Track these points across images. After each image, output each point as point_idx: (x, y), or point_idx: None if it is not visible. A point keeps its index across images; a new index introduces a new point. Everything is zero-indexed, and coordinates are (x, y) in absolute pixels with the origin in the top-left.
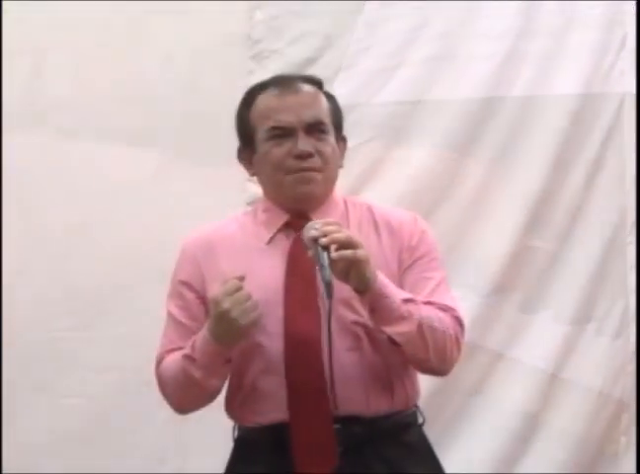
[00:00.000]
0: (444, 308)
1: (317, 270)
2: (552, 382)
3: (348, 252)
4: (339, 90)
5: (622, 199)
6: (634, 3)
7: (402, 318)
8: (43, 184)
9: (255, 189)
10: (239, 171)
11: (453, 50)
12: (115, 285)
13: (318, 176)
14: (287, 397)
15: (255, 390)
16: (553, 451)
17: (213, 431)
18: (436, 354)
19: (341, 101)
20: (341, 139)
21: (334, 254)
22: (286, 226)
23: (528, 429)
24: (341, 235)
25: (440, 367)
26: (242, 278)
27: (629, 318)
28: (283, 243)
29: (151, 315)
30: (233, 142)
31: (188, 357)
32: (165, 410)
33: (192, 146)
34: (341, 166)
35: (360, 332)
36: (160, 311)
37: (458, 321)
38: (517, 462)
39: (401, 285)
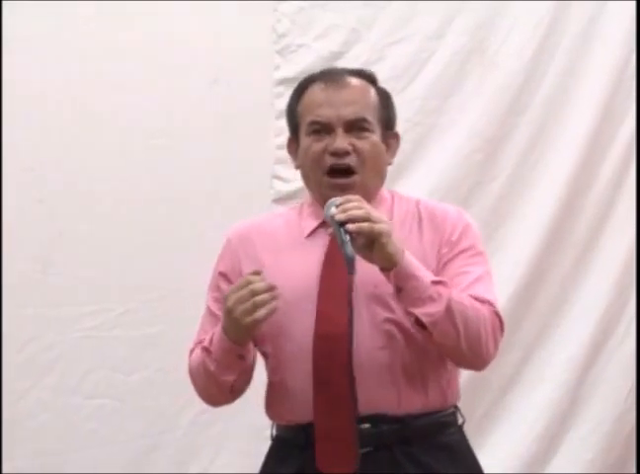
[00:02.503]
0: (482, 300)
1: (339, 247)
2: (580, 383)
3: (365, 224)
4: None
5: None
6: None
7: (430, 299)
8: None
9: (280, 186)
10: (265, 167)
11: (483, 44)
12: (139, 286)
13: (356, 180)
14: (313, 395)
15: (286, 387)
16: (581, 452)
17: (239, 431)
18: (467, 341)
19: None
20: (392, 136)
21: (351, 226)
22: (326, 223)
23: (557, 429)
24: (360, 211)
25: (474, 360)
26: (258, 273)
27: None
28: (323, 238)
29: (178, 316)
30: (260, 136)
31: (206, 350)
32: (191, 410)
33: (218, 141)
34: (389, 163)
35: (394, 330)
36: (186, 312)
37: (497, 315)
38: (545, 462)
39: None
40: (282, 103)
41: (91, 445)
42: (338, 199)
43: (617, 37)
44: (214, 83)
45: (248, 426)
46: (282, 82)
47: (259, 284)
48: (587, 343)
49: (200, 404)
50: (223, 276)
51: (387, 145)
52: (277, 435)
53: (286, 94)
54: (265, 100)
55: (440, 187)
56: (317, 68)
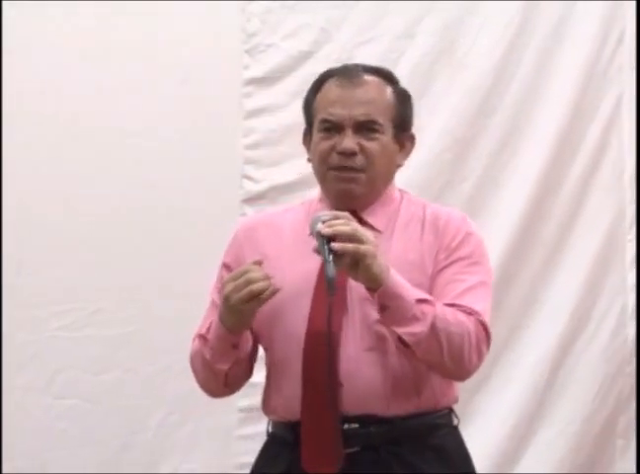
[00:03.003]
0: (469, 311)
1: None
2: (549, 384)
3: (349, 245)
4: None
5: (621, 197)
6: (634, 3)
7: (414, 318)
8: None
9: (250, 186)
10: (235, 168)
11: (453, 45)
12: (111, 286)
13: (361, 176)
14: (301, 392)
15: (278, 383)
16: (550, 452)
17: (210, 432)
18: (451, 357)
19: None
20: (407, 137)
21: (335, 245)
22: None
23: (525, 429)
24: (346, 228)
25: (457, 372)
26: (259, 263)
27: (627, 317)
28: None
29: (148, 316)
30: (229, 136)
31: (202, 338)
32: (161, 410)
33: (187, 141)
34: (400, 164)
35: (385, 332)
36: (157, 312)
37: (483, 326)
38: (514, 462)
39: (433, 286)
40: (251, 103)
41: (61, 446)
42: (325, 215)
43: (587, 36)
44: (183, 83)
45: (218, 426)
46: (251, 82)
47: (255, 273)
48: (555, 344)
49: (170, 404)
50: (227, 267)
51: (401, 146)
52: (270, 432)
53: (255, 94)
54: (234, 100)
55: (411, 186)
56: (286, 68)
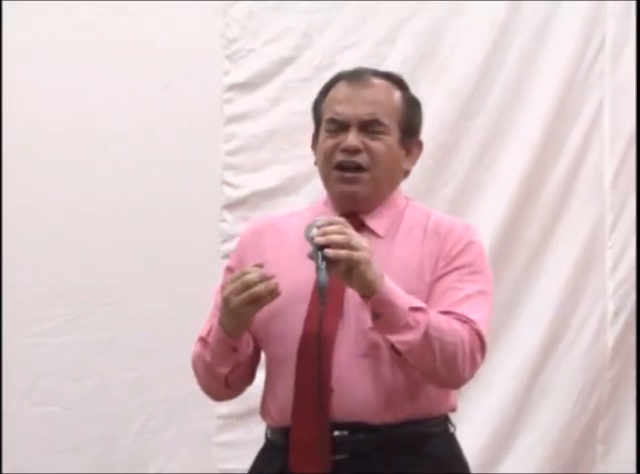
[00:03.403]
0: (464, 320)
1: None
2: (529, 390)
3: (343, 252)
4: (318, 90)
5: (601, 203)
6: (619, 3)
7: (407, 327)
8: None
9: (230, 192)
10: (215, 174)
11: (435, 48)
12: (91, 291)
13: (365, 176)
14: (293, 397)
15: (273, 388)
16: (530, 458)
17: (190, 437)
18: (444, 365)
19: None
20: (415, 143)
21: (328, 252)
22: None
23: (506, 435)
24: (340, 236)
25: (450, 380)
26: (260, 266)
27: (607, 324)
28: None
29: (128, 322)
30: (210, 142)
31: (203, 340)
32: (141, 416)
33: (167, 146)
34: (407, 169)
35: (379, 339)
36: (137, 318)
37: (477, 335)
38: (494, 468)
39: (431, 293)
40: (232, 108)
41: (41, 453)
42: (320, 221)
43: (568, 41)
44: (164, 88)
45: (198, 432)
46: (232, 87)
47: (252, 276)
48: (536, 349)
49: (150, 410)
50: (230, 270)
51: (407, 151)
52: (267, 437)
53: (236, 99)
54: (214, 105)
55: None
56: (267, 73)
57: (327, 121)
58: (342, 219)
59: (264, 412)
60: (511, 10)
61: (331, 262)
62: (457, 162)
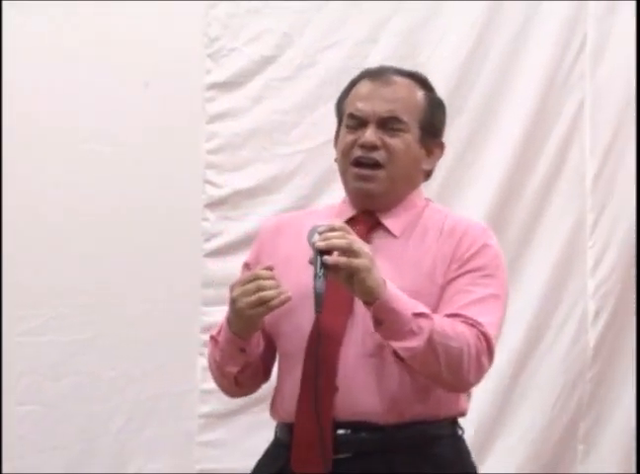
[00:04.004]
0: (472, 323)
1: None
2: (509, 391)
3: (342, 259)
4: (299, 89)
5: (582, 203)
6: (600, 4)
7: (411, 333)
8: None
9: (212, 191)
10: (197, 172)
11: (415, 49)
12: (71, 290)
13: (381, 173)
14: (298, 395)
15: (281, 385)
16: (510, 459)
17: (170, 437)
18: (449, 370)
19: (302, 100)
20: (436, 144)
21: (328, 259)
22: (353, 221)
23: (486, 435)
24: (341, 241)
25: (455, 384)
26: (270, 268)
27: (588, 324)
28: None
29: (108, 321)
30: (192, 140)
31: (214, 339)
32: (122, 416)
33: (149, 145)
34: (427, 170)
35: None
36: (116, 317)
37: (485, 338)
38: (477, 465)
39: (443, 296)
40: (214, 107)
41: (21, 452)
42: (322, 226)
43: (551, 37)
44: (146, 87)
45: (179, 431)
46: (214, 86)
47: (266, 281)
48: (516, 349)
49: (130, 410)
50: (246, 266)
51: (428, 151)
52: (275, 433)
53: (218, 98)
54: (196, 104)
55: None
56: (248, 72)
57: (347, 117)
58: (344, 225)
59: (272, 408)
60: (491, 10)
61: (331, 268)
62: (440, 160)
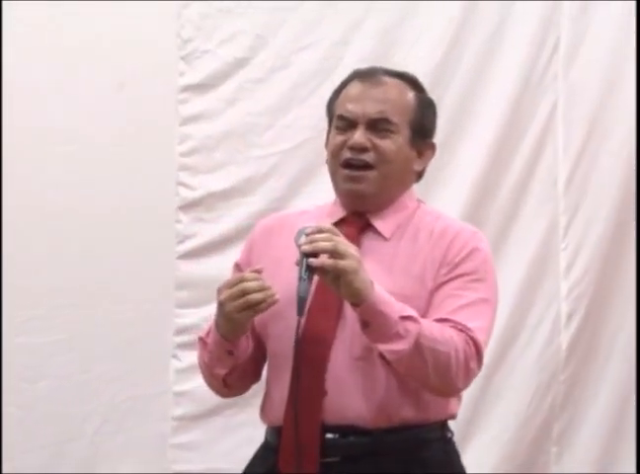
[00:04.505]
0: (461, 328)
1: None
2: (483, 391)
3: (328, 261)
4: (273, 91)
5: (555, 205)
6: (574, 4)
7: (397, 336)
8: None
9: (186, 193)
10: (171, 174)
11: (390, 50)
12: (44, 293)
13: (371, 174)
14: (287, 398)
15: (270, 388)
16: (485, 459)
17: (145, 440)
18: (437, 374)
19: (276, 102)
20: (427, 145)
21: (313, 261)
22: (343, 222)
23: (460, 436)
24: (327, 244)
25: (443, 389)
26: (259, 271)
27: (561, 326)
28: None
29: (83, 323)
30: (165, 142)
31: (202, 340)
32: (96, 418)
33: (123, 147)
34: (418, 171)
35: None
36: (91, 319)
37: (474, 343)
38: None
39: (432, 300)
40: (187, 109)
41: None
42: (309, 228)
43: (525, 38)
44: (119, 88)
45: (153, 434)
46: (187, 88)
47: (252, 283)
48: (490, 350)
49: (105, 412)
50: (237, 267)
51: (419, 152)
52: (265, 437)
53: (191, 100)
54: (169, 106)
55: None
56: (222, 74)
57: (337, 119)
58: (331, 227)
59: (262, 412)
60: (466, 10)
61: (317, 270)
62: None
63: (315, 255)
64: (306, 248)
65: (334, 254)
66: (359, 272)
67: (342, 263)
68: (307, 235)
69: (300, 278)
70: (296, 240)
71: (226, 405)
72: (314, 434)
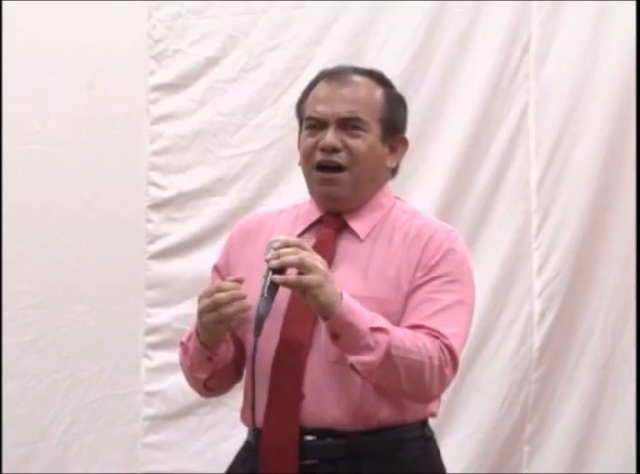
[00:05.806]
0: (435, 334)
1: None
2: (456, 392)
3: (291, 278)
4: (244, 91)
5: (527, 205)
6: (545, 4)
7: (367, 347)
8: None
9: (156, 192)
10: (141, 174)
11: (361, 50)
12: (13, 292)
13: (344, 176)
14: (266, 401)
15: (249, 389)
16: (456, 459)
17: (114, 440)
18: (410, 383)
19: (247, 102)
20: (399, 140)
21: (275, 278)
22: (320, 223)
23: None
24: (292, 257)
25: (417, 396)
26: (240, 281)
27: (534, 325)
28: (311, 241)
29: (52, 324)
30: (136, 142)
31: (183, 345)
32: (65, 419)
33: (93, 147)
34: (391, 167)
35: None
36: (60, 319)
37: (449, 349)
38: None
39: (407, 304)
40: (158, 109)
41: None
42: (276, 241)
43: (496, 38)
44: (90, 88)
45: (123, 433)
46: (158, 88)
47: (223, 295)
48: (463, 351)
49: (74, 412)
50: (216, 269)
51: (391, 149)
52: (247, 438)
53: (162, 100)
54: (140, 105)
55: None
56: (193, 74)
57: (307, 119)
58: (298, 240)
59: (241, 414)
60: (437, 10)
61: (283, 285)
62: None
63: (282, 269)
64: (273, 263)
65: (300, 267)
66: (324, 285)
67: (306, 278)
68: (275, 249)
69: (261, 296)
70: (264, 254)
71: (198, 404)
72: (293, 437)
